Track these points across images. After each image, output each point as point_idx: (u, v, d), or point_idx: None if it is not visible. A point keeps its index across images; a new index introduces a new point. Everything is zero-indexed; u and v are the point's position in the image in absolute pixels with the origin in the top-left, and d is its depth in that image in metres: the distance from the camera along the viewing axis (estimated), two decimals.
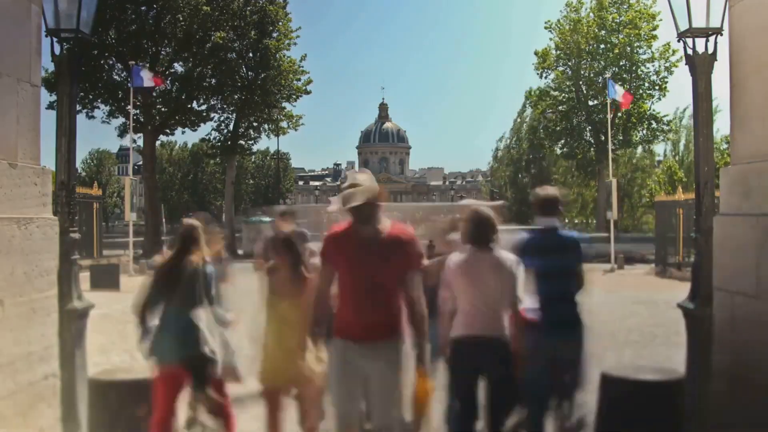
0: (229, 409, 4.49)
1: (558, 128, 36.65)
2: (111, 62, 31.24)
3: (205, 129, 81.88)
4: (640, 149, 41.20)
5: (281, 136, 38.47)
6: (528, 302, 3.99)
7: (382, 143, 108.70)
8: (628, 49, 33.29)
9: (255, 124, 36.48)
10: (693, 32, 4.34)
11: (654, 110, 34.47)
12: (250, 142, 37.63)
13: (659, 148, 44.36)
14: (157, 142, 36.52)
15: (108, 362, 6.76)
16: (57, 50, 4.44)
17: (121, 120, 32.45)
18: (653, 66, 33.79)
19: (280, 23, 34.18)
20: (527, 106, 42.86)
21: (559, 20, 35.61)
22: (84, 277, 13.15)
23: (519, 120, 44.65)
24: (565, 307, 4.16)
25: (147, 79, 23.09)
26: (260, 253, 5.85)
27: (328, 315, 3.72)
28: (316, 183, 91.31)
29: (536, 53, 36.39)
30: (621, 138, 33.91)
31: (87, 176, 62.27)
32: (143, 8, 30.70)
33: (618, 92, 25.36)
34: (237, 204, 48.42)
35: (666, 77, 33.55)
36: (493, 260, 3.88)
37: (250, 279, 5.96)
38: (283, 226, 6.02)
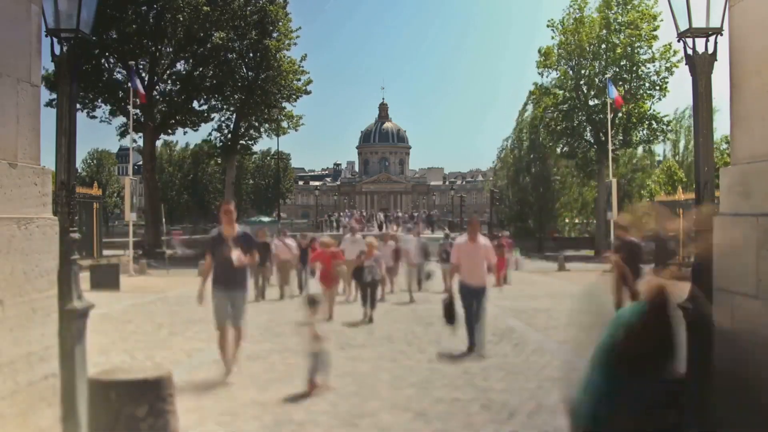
0: None
1: (558, 128, 36.65)
2: (111, 62, 31.26)
3: (206, 129, 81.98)
4: (640, 149, 41.19)
5: (281, 136, 38.53)
6: None
7: (382, 143, 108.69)
8: (629, 49, 33.30)
9: (255, 124, 36.54)
10: (693, 32, 4.33)
11: (654, 110, 34.50)
12: (250, 142, 37.73)
13: (660, 148, 44.36)
14: (158, 142, 36.57)
15: (108, 362, 6.77)
16: (57, 50, 4.43)
17: (121, 120, 32.52)
18: (654, 66, 33.81)
19: (280, 23, 34.20)
20: (530, 103, 42.77)
21: (562, 19, 35.63)
22: (84, 277, 13.15)
23: (521, 119, 44.55)
24: None
25: (138, 87, 23.57)
26: None
27: None
28: (316, 183, 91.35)
29: (540, 51, 36.38)
30: (621, 138, 33.92)
31: (87, 176, 62.24)
32: (143, 8, 30.72)
33: (614, 94, 25.66)
34: (237, 204, 48.38)
35: (666, 77, 33.59)
36: None
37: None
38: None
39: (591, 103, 35.20)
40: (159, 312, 12.56)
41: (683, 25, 4.37)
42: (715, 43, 4.35)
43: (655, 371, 3.05)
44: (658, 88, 33.89)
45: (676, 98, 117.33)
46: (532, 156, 43.25)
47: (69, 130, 4.49)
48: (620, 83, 32.44)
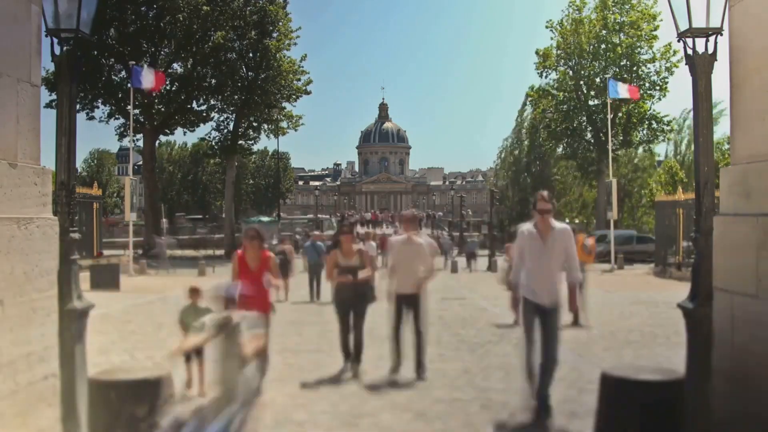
0: None
1: (559, 128, 36.66)
2: (111, 62, 31.24)
3: (205, 129, 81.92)
4: (640, 149, 41.20)
5: (281, 136, 38.53)
6: None
7: (382, 143, 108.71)
8: (629, 49, 33.29)
9: (255, 124, 36.53)
10: (693, 32, 4.33)
11: (654, 110, 34.49)
12: (250, 142, 37.72)
13: (660, 148, 44.33)
14: (157, 142, 36.55)
15: (108, 362, 6.77)
16: (57, 50, 4.43)
17: (121, 120, 32.50)
18: (654, 66, 33.82)
19: (280, 23, 34.19)
20: (528, 104, 42.78)
21: (561, 20, 35.65)
22: (84, 277, 13.15)
23: (520, 119, 44.63)
24: None
25: (148, 81, 22.97)
26: None
27: None
28: (316, 183, 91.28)
29: (537, 52, 36.39)
30: (621, 138, 33.92)
31: (87, 176, 62.24)
32: (143, 8, 30.72)
33: (621, 90, 25.46)
34: (237, 204, 48.42)
35: (666, 77, 33.59)
36: None
37: None
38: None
39: (591, 103, 35.19)
40: (159, 312, 12.55)
41: (683, 25, 4.36)
42: (715, 43, 4.35)
43: None
44: (658, 88, 33.90)
45: (676, 98, 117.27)
46: (532, 156, 43.31)
47: (69, 130, 4.49)
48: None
